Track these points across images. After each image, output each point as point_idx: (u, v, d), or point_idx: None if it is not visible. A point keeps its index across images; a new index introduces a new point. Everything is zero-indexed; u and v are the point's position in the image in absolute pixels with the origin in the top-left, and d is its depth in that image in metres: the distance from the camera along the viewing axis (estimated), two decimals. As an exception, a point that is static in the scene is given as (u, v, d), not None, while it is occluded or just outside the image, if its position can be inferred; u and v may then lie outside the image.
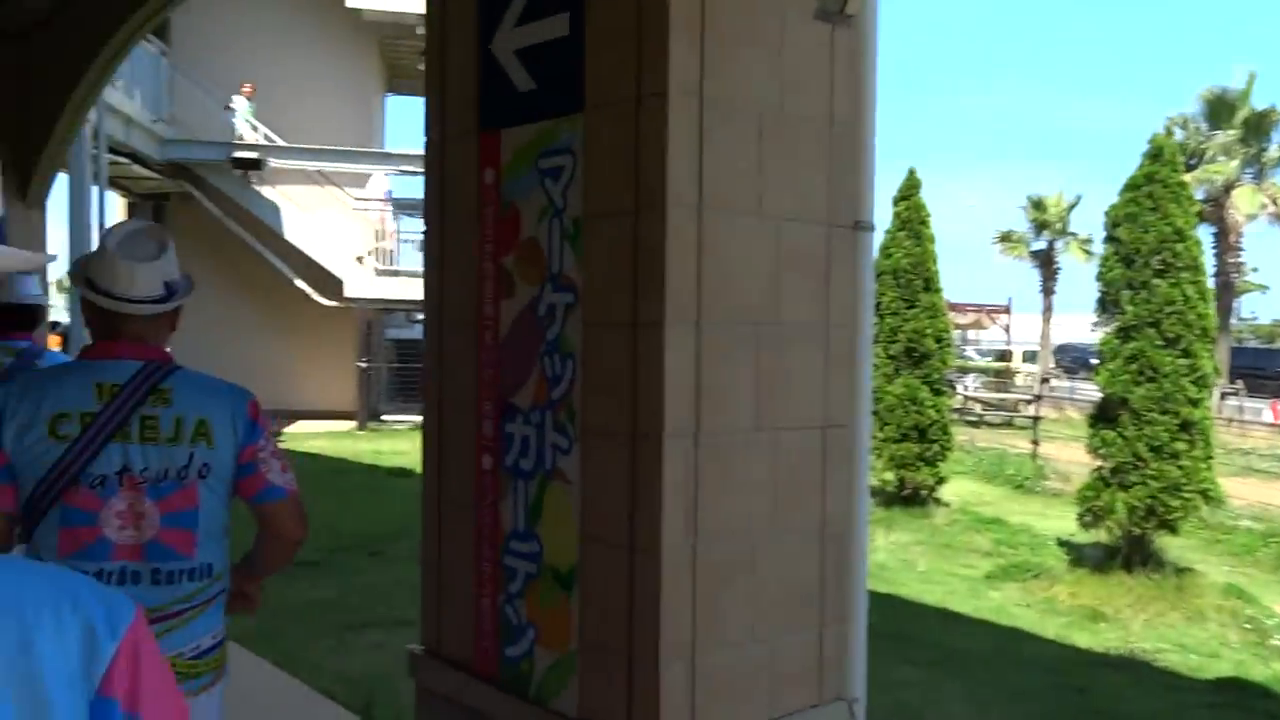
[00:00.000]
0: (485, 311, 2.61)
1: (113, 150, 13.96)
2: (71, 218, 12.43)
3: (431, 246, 2.82)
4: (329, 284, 16.58)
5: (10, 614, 0.70)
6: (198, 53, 17.08)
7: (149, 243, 2.15)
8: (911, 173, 12.83)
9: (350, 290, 16.49)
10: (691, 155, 2.17)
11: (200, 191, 16.39)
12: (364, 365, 17.24)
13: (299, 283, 16.55)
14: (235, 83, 16.79)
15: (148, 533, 2.10)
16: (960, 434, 15.51)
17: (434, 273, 2.81)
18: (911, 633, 6.99)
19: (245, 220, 16.41)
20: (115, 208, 20.51)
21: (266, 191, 16.38)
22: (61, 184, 12.88)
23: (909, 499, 12.07)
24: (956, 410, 19.51)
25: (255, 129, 16.60)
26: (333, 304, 16.65)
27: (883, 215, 13.51)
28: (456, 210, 2.70)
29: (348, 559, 8.08)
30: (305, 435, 14.79)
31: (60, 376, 2.15)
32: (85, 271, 2.15)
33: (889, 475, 12.17)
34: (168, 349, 2.25)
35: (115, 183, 17.32)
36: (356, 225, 16.79)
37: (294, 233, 16.30)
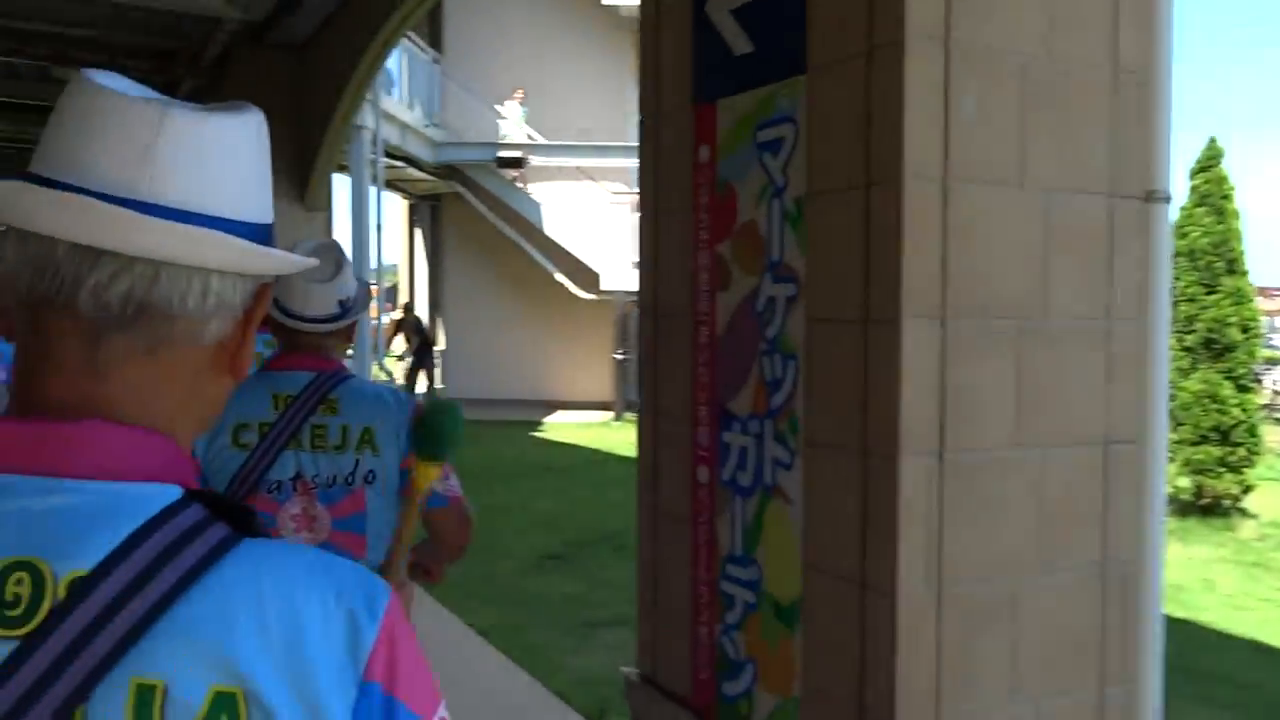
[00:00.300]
0: (700, 306, 2.34)
1: (390, 155, 14.85)
2: (353, 219, 13.32)
3: (645, 235, 2.59)
4: (587, 277, 16.93)
5: (284, 601, 0.71)
6: (466, 59, 17.93)
7: (326, 264, 2.26)
8: (1212, 141, 11.42)
9: (606, 283, 16.76)
10: (935, 116, 1.80)
11: (469, 191, 17.18)
12: (620, 357, 17.49)
13: (559, 276, 17.00)
14: (501, 85, 17.46)
15: (321, 535, 2.18)
16: (1271, 435, 13.74)
17: (647, 263, 2.57)
18: (1211, 668, 6.11)
19: (510, 217, 17.04)
20: (398, 209, 21.99)
21: (530, 188, 16.94)
22: (345, 188, 13.87)
23: (1208, 509, 10.75)
24: (1265, 407, 17.37)
25: (521, 129, 17.20)
26: (590, 296, 16.99)
27: (1177, 190, 12.11)
28: (669, 194, 2.45)
29: (595, 553, 8.08)
30: (562, 426, 15.19)
31: (245, 388, 2.27)
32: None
33: (1184, 482, 10.90)
34: (341, 360, 2.35)
35: (394, 186, 18.51)
36: (614, 219, 17.05)
37: (554, 228, 16.76)
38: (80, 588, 0.68)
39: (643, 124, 2.57)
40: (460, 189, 17.20)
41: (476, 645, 5.26)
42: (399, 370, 16.50)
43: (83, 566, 0.69)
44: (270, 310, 2.17)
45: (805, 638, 2.03)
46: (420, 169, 16.54)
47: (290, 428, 2.15)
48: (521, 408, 16.97)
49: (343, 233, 15.23)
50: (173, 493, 0.74)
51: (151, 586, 0.69)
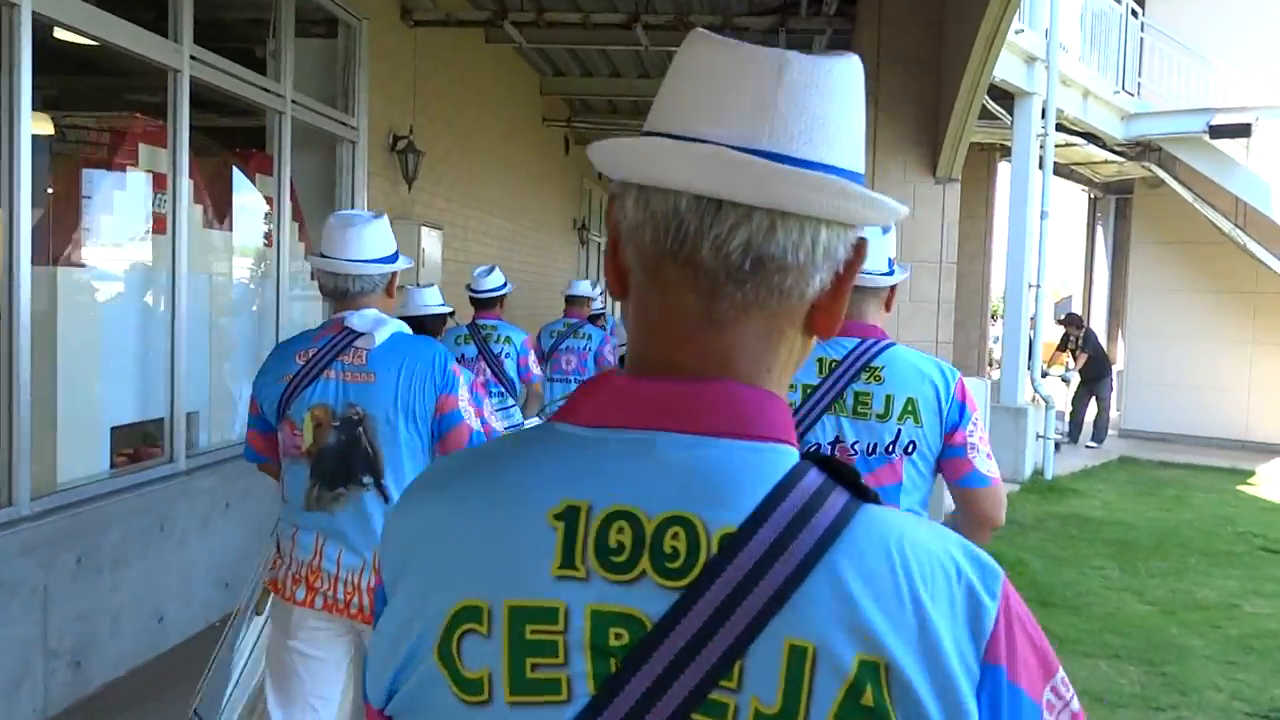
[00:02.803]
0: None
1: (1066, 129, 12.19)
2: (1011, 206, 11.01)
3: None
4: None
5: (913, 572, 0.70)
6: (1174, 10, 14.39)
7: None
8: None
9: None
10: None
11: (1166, 172, 13.68)
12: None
13: (1290, 281, 12.79)
14: (1215, 41, 13.71)
15: None
16: None
17: None
18: None
19: (1224, 205, 13.21)
20: (1076, 204, 18.97)
21: (1255, 165, 12.89)
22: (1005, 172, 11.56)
23: None
24: None
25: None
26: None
27: None
28: None
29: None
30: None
31: None
32: None
33: None
34: (880, 327, 2.34)
35: (1070, 173, 15.64)
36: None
37: (1284, 215, 12.57)
38: (730, 544, 0.70)
39: None
40: (1155, 170, 13.76)
41: None
42: (1061, 395, 13.60)
43: (732, 523, 0.71)
44: None
45: None
46: (1105, 146, 13.51)
47: (833, 392, 2.24)
48: (1225, 450, 13.10)
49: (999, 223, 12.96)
50: (791, 453, 0.75)
51: (794, 548, 0.70)
